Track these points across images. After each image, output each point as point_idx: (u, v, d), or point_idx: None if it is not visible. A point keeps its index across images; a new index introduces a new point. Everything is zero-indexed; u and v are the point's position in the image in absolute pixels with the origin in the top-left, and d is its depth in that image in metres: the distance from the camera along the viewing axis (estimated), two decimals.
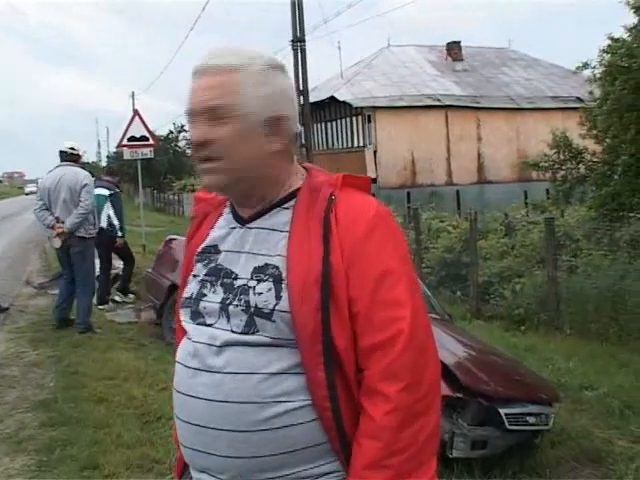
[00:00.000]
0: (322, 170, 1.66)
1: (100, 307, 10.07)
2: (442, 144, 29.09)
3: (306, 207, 1.54)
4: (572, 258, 10.88)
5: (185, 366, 1.58)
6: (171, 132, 50.14)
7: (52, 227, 8.19)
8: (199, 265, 1.65)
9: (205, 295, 1.59)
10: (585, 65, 12.43)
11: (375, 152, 28.49)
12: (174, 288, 8.54)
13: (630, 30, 11.77)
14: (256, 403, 1.46)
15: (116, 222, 10.35)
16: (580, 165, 13.36)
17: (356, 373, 1.47)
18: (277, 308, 1.47)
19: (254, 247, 1.56)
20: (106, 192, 10.40)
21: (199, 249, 1.67)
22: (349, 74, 30.82)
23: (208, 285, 1.59)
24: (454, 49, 32.71)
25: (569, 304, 9.87)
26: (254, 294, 1.50)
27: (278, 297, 1.48)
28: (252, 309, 1.49)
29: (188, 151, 51.99)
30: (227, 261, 1.59)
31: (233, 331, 1.51)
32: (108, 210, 10.29)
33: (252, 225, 1.59)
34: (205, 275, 1.61)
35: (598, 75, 12.29)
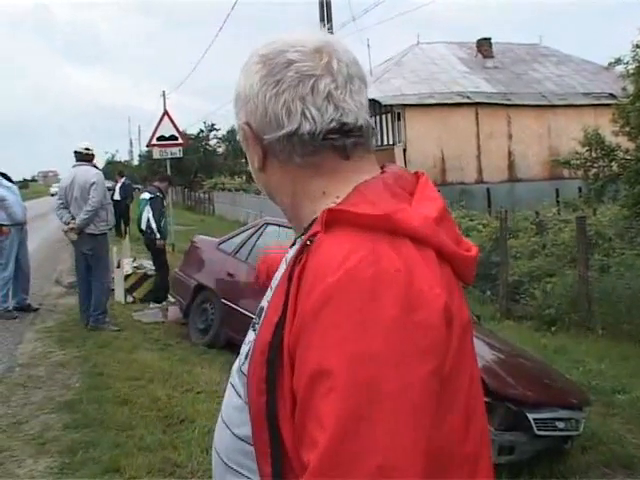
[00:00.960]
0: (365, 194, 1.14)
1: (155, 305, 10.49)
2: (472, 142, 28.81)
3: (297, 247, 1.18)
4: (604, 257, 10.68)
5: (220, 416, 1.34)
6: (201, 131, 50.43)
7: (67, 224, 8.64)
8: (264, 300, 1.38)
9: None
10: (618, 61, 12.20)
11: (405, 150, 28.30)
12: (200, 288, 8.58)
13: None
14: (224, 463, 1.23)
15: (154, 225, 10.53)
16: (613, 163, 13.12)
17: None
18: (242, 369, 1.20)
19: (274, 282, 1.25)
20: (148, 195, 10.82)
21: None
22: (378, 72, 30.66)
23: (253, 326, 1.31)
24: (484, 46, 32.37)
25: (601, 304, 9.68)
26: (246, 342, 1.25)
27: (247, 355, 1.19)
28: (242, 361, 1.24)
29: (219, 149, 52.36)
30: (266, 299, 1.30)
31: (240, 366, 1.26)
32: (148, 213, 10.59)
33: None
34: (254, 315, 1.35)
35: (631, 71, 12.05)
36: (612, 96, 23.53)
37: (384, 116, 29.24)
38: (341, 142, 1.16)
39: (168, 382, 6.42)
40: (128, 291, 10.80)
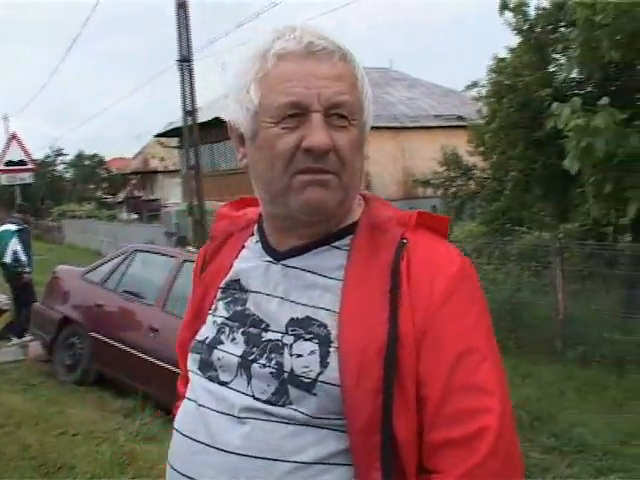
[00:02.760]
0: (386, 202, 1.31)
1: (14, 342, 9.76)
2: None
3: (367, 250, 1.19)
4: None
5: (186, 436, 1.22)
6: (48, 156, 48.32)
7: None
8: (220, 304, 1.29)
9: (222, 343, 1.24)
10: (475, 84, 12.78)
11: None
12: (66, 322, 8.04)
13: (512, 50, 12.17)
14: None
15: (24, 258, 10.11)
16: (470, 181, 13.68)
17: (417, 474, 1.12)
18: (322, 379, 1.12)
19: (291, 293, 1.20)
20: (14, 227, 10.31)
21: (222, 283, 1.30)
22: None
23: (227, 331, 1.24)
24: None
25: None
26: (290, 355, 1.15)
27: (324, 364, 1.13)
28: (286, 374, 1.14)
29: (66, 175, 50.32)
30: (256, 306, 1.24)
31: (255, 397, 1.16)
32: (16, 246, 10.10)
33: (290, 263, 1.23)
34: (227, 318, 1.26)
35: (485, 94, 12.65)
36: (461, 118, 24.69)
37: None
38: None
39: (38, 426, 5.90)
40: None
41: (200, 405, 1.22)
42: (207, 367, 1.24)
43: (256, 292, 1.24)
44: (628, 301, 8.86)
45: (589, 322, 9.21)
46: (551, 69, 11.43)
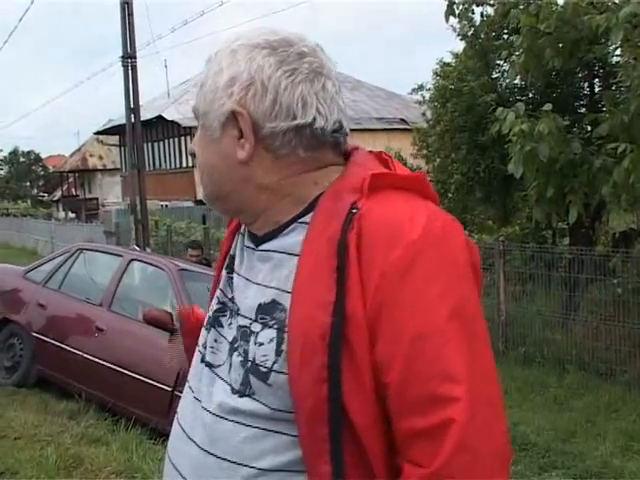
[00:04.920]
0: (368, 162, 1.17)
1: None
2: None
3: (322, 222, 1.09)
4: None
5: (179, 424, 1.21)
6: None
7: None
8: (222, 282, 1.27)
9: (222, 326, 1.22)
10: (420, 87, 12.93)
11: None
12: (5, 322, 7.79)
13: (457, 56, 12.38)
14: None
15: None
16: None
17: (386, 455, 1.04)
18: (275, 367, 1.07)
19: (266, 277, 1.14)
20: None
21: (227, 261, 1.30)
22: (176, 93, 30.27)
23: (228, 313, 1.21)
24: None
25: None
26: (254, 343, 1.11)
27: (278, 352, 1.07)
28: (249, 363, 1.10)
29: (1, 172, 48.92)
30: (236, 289, 1.20)
31: (232, 387, 1.13)
32: None
33: (266, 247, 1.17)
34: (228, 298, 1.23)
35: (430, 98, 12.82)
36: (403, 121, 24.97)
37: (183, 138, 28.91)
38: (341, 139, 1.17)
39: None
40: None
41: (192, 391, 1.21)
42: (204, 347, 1.23)
43: (240, 276, 1.22)
44: (567, 302, 9.11)
45: (530, 323, 9.44)
46: (495, 75, 11.67)
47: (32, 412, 6.29)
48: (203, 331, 1.27)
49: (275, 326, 1.09)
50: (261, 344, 1.10)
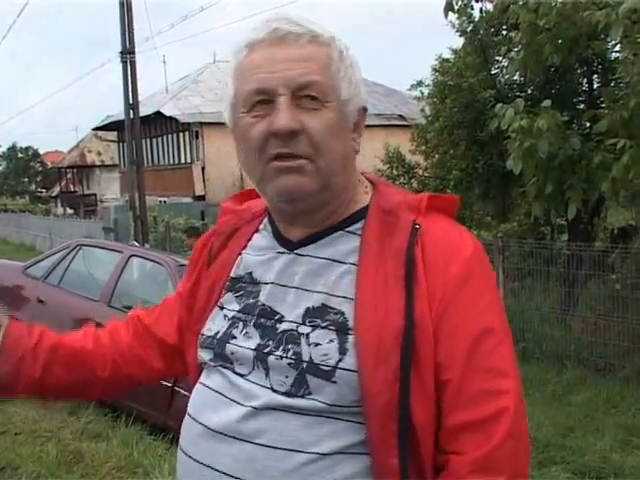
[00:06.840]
0: (392, 185, 1.32)
1: None
2: None
3: (378, 235, 1.18)
4: None
5: (201, 424, 1.21)
6: None
7: None
8: (230, 296, 1.28)
9: (234, 337, 1.22)
10: (420, 83, 12.92)
11: (203, 168, 28.05)
12: None
13: (455, 52, 12.37)
14: None
15: None
16: (412, 180, 13.84)
17: (433, 456, 1.13)
18: (341, 365, 1.12)
19: (306, 281, 1.20)
20: None
21: (233, 274, 1.29)
22: (175, 89, 30.23)
23: (240, 325, 1.23)
24: None
25: None
26: (308, 344, 1.15)
27: (342, 351, 1.13)
28: (304, 364, 1.14)
29: None
30: (270, 297, 1.22)
31: (274, 390, 1.15)
32: None
33: (304, 252, 1.22)
34: (238, 311, 1.24)
35: (429, 94, 12.81)
36: (401, 117, 24.94)
37: (182, 134, 28.89)
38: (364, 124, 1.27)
39: None
40: None
41: (218, 392, 1.21)
42: (222, 359, 1.23)
43: (270, 283, 1.23)
44: (566, 298, 9.12)
45: (529, 319, 9.44)
46: (494, 71, 11.66)
47: (32, 408, 6.28)
48: (205, 350, 1.27)
49: (331, 327, 1.15)
50: (317, 344, 1.15)
